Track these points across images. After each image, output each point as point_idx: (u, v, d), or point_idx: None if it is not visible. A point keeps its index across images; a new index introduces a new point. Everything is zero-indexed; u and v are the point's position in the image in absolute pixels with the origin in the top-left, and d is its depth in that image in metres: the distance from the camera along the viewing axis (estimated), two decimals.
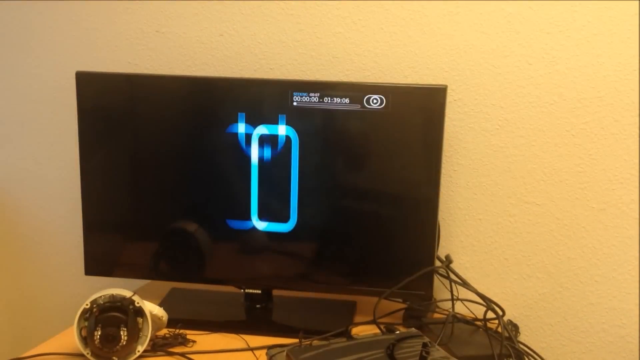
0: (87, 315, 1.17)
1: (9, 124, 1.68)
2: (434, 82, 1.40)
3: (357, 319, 1.37)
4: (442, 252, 1.42)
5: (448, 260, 1.39)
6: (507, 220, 1.44)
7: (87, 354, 1.17)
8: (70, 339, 1.19)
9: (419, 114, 1.30)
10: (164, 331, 1.28)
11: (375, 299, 1.28)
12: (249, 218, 1.35)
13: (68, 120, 1.56)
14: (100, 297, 1.17)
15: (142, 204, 1.40)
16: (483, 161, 1.43)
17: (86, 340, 1.17)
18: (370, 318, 1.25)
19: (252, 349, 1.25)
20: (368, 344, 1.08)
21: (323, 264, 1.37)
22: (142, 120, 1.38)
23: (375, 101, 1.28)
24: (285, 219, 1.34)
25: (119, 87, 1.38)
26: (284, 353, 1.07)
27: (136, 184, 1.40)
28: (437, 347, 1.08)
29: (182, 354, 1.22)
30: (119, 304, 1.17)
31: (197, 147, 1.35)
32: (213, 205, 1.36)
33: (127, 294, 1.18)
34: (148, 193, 1.40)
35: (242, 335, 1.30)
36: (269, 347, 1.13)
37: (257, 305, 1.41)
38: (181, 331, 1.29)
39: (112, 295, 1.18)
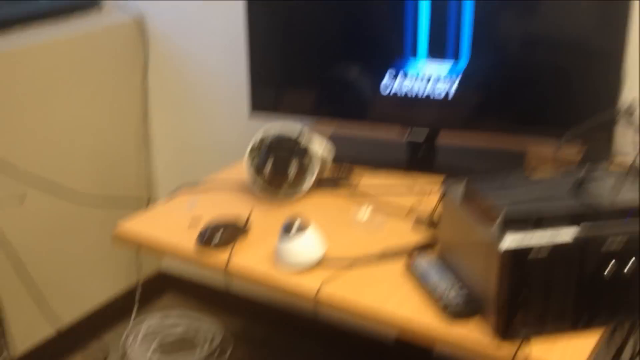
0: (258, 150, 1.18)
1: None
2: None
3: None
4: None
5: (632, 108, 1.28)
6: None
7: (258, 184, 1.19)
8: (239, 173, 1.21)
9: None
10: (329, 169, 1.27)
11: (545, 152, 1.20)
12: (416, 57, 1.29)
13: None
14: (270, 132, 1.18)
15: (306, 47, 1.38)
16: None
17: (257, 172, 1.18)
18: None
19: (418, 187, 1.21)
20: (551, 180, 1.00)
21: (493, 108, 1.30)
22: None
23: None
24: (455, 57, 1.26)
25: None
26: (461, 185, 1.01)
27: (301, 27, 1.37)
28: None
29: (347, 188, 1.22)
30: (288, 139, 1.17)
31: None
32: (379, 44, 1.32)
33: (296, 130, 1.17)
34: (313, 35, 1.37)
35: (406, 176, 1.27)
36: (444, 180, 1.08)
37: (419, 155, 1.37)
38: (346, 168, 1.28)
39: (282, 131, 1.17)
